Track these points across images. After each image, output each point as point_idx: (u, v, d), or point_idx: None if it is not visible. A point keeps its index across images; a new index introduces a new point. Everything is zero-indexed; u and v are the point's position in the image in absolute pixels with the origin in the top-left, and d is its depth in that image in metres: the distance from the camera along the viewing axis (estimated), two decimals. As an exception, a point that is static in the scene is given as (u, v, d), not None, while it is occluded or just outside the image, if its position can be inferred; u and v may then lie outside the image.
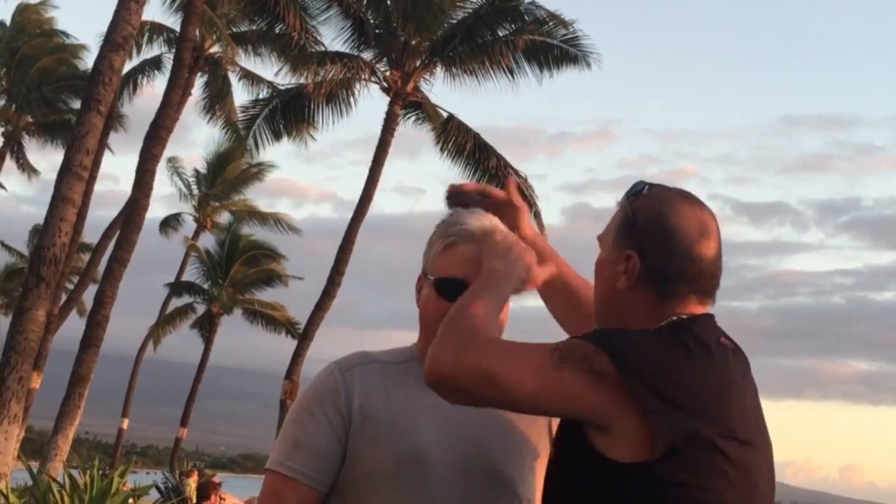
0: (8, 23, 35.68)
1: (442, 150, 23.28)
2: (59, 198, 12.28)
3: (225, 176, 40.10)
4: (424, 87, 23.36)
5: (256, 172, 40.29)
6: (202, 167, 40.83)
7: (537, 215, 23.42)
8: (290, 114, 24.00)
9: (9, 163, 36.22)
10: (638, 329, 1.95)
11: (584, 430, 1.90)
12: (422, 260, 2.34)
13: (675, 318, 1.98)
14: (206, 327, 39.57)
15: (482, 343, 1.91)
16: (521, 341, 1.96)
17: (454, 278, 2.23)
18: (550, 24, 22.41)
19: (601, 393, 1.85)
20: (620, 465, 1.84)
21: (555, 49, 22.56)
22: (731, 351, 1.99)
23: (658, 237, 2.00)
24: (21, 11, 35.47)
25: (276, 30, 22.84)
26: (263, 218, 40.12)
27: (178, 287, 39.46)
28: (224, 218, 41.50)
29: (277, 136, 24.25)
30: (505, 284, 2.10)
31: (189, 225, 40.38)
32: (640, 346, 1.89)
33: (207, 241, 40.62)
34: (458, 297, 2.13)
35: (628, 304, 2.02)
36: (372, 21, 23.18)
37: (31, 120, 35.23)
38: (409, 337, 2.39)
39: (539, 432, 2.31)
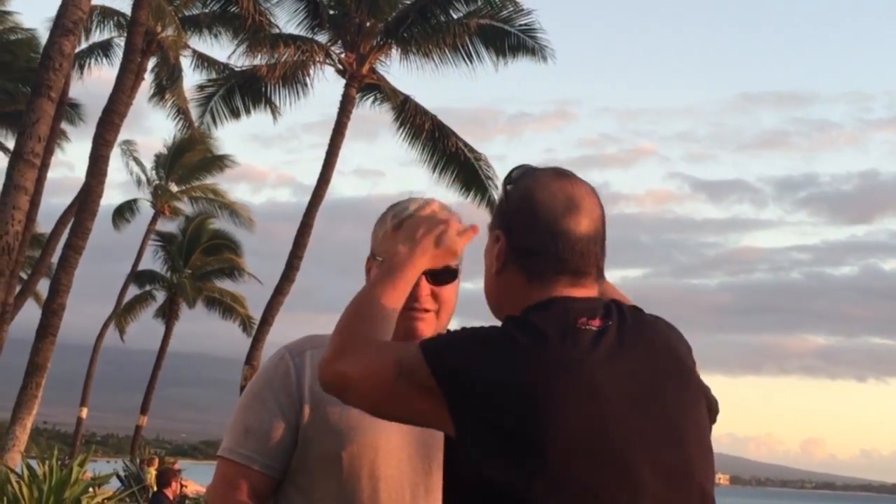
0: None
1: (399, 131, 23.26)
2: (10, 185, 12.16)
3: (184, 161, 39.30)
4: (381, 69, 23.30)
5: (216, 161, 39.10)
6: (160, 153, 40.02)
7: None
8: (247, 95, 23.93)
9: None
10: (489, 326, 1.85)
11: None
12: (370, 241, 2.33)
13: (533, 303, 1.84)
14: (167, 314, 39.26)
15: (354, 349, 1.87)
16: (391, 343, 1.91)
17: None
18: (506, 11, 22.36)
19: (435, 407, 1.78)
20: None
21: (511, 37, 22.52)
22: (598, 333, 1.79)
23: (523, 214, 1.88)
24: None
25: (230, 12, 22.65)
26: (223, 206, 39.38)
27: (138, 276, 38.92)
28: (182, 205, 40.76)
29: (235, 115, 24.18)
30: (406, 266, 2.04)
31: (146, 212, 39.63)
32: (465, 358, 1.78)
33: (165, 228, 40.06)
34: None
35: (502, 290, 1.93)
36: (326, 2, 23.06)
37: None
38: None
39: None
